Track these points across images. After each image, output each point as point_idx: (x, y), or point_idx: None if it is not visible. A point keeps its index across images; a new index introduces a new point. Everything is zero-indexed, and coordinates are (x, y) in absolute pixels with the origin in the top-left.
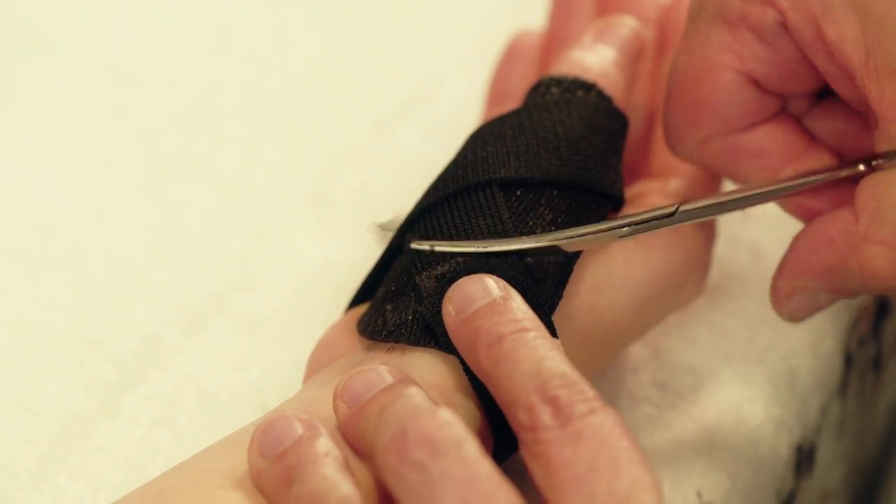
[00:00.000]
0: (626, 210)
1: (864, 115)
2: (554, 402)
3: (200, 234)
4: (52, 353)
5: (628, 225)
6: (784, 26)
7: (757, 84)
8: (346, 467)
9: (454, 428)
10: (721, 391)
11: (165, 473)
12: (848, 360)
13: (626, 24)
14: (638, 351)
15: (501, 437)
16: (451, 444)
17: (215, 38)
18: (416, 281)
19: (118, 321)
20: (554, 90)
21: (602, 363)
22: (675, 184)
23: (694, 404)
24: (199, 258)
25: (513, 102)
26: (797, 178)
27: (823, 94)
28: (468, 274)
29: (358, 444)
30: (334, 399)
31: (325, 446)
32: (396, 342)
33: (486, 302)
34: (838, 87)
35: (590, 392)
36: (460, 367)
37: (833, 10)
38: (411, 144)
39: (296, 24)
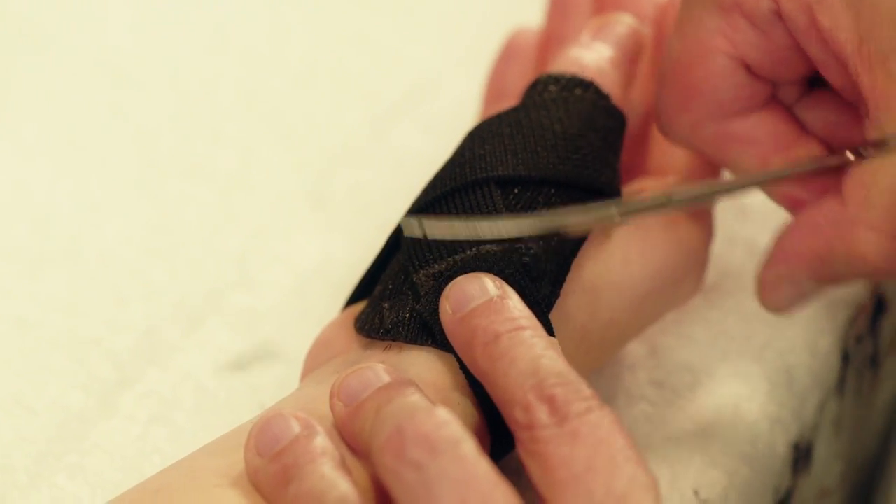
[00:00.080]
0: None
1: (854, 106)
2: (551, 401)
3: (198, 233)
4: (50, 351)
5: (618, 207)
6: (778, 14)
7: (749, 69)
8: (344, 466)
9: (451, 427)
10: (718, 389)
11: (163, 471)
12: (845, 358)
13: (624, 22)
14: (635, 349)
15: (498, 436)
16: (448, 443)
17: (213, 38)
18: (414, 279)
19: (116, 320)
20: (552, 88)
21: (600, 361)
22: (672, 182)
23: (691, 402)
24: (197, 257)
25: (510, 100)
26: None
27: (815, 85)
28: (465, 272)
29: (355, 443)
30: (331, 397)
31: (323, 445)
32: (393, 340)
33: (482, 300)
34: (830, 75)
35: (587, 391)
36: (457, 365)
37: None
38: (408, 143)
39: (293, 23)
